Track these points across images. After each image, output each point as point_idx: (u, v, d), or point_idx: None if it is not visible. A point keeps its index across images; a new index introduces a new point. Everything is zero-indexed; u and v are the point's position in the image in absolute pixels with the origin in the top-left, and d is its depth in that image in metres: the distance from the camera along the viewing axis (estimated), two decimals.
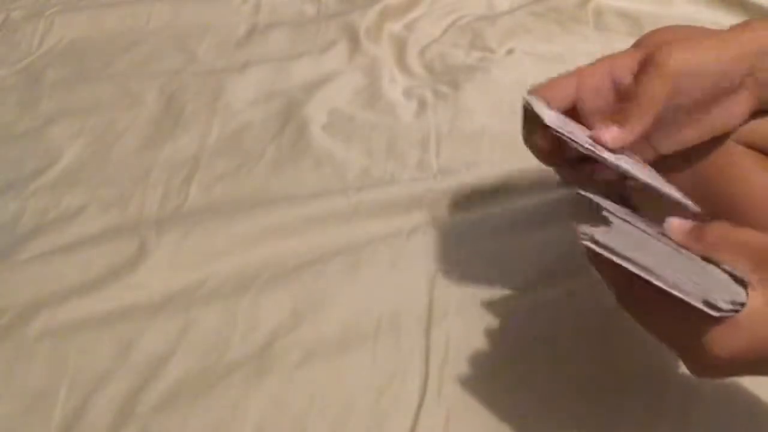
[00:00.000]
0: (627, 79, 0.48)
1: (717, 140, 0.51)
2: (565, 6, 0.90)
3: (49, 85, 0.80)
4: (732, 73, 0.47)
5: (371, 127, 0.74)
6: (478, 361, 0.54)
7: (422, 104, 0.77)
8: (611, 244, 0.38)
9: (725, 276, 0.38)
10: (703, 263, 0.39)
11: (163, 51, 0.87)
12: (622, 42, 0.56)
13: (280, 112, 0.77)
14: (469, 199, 0.66)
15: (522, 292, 0.58)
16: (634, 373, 0.52)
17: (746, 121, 0.49)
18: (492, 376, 0.53)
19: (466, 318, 0.57)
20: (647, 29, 0.56)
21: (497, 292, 0.59)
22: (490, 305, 0.58)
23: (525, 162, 0.61)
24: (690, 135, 0.50)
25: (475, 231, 0.64)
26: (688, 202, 0.46)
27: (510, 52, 0.83)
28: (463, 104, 0.76)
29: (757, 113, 0.51)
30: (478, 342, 0.55)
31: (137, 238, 0.64)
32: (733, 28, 0.48)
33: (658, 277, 0.36)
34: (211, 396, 0.53)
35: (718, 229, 0.40)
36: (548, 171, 0.52)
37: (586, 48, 0.84)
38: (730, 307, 0.35)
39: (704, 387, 0.51)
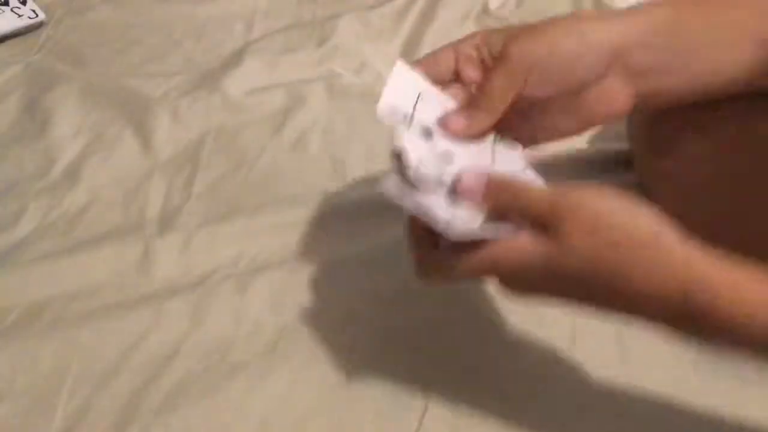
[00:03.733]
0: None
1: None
2: None
3: (49, 85, 0.80)
4: (589, 61, 0.47)
5: (370, 126, 0.74)
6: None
7: None
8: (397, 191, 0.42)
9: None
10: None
11: (162, 51, 0.86)
12: None
13: (279, 111, 0.77)
14: None
15: None
16: None
17: (629, 111, 0.50)
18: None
19: (475, 323, 0.57)
20: None
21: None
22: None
23: None
24: (565, 125, 0.50)
25: None
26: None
27: None
28: None
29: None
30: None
31: (140, 239, 0.64)
32: (574, 18, 0.49)
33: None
34: (214, 396, 0.53)
35: (509, 189, 0.43)
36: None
37: None
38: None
39: None
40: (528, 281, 0.43)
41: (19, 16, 0.88)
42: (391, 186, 0.42)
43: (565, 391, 0.52)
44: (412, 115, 0.47)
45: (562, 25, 0.48)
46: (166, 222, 0.65)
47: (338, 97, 0.79)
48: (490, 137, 0.50)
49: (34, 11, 0.89)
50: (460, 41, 0.51)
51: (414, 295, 0.58)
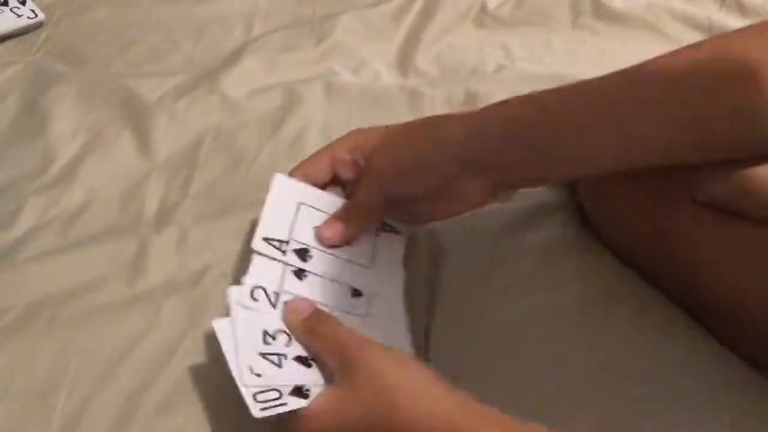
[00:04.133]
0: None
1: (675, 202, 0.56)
2: None
3: (47, 85, 0.80)
4: (443, 161, 0.53)
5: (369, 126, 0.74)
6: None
7: (422, 102, 0.78)
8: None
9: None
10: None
11: (161, 51, 0.86)
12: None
13: (277, 110, 0.77)
14: None
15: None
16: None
17: (488, 201, 0.56)
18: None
19: (467, 323, 0.57)
20: None
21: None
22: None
23: None
24: (436, 214, 0.57)
25: (474, 230, 0.65)
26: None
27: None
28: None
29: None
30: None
31: (137, 238, 0.64)
32: (427, 123, 0.56)
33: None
34: (213, 396, 0.53)
35: (327, 327, 0.48)
36: None
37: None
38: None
39: None
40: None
41: (18, 16, 0.88)
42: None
43: None
44: (287, 242, 0.54)
45: (420, 132, 0.56)
46: (164, 221, 0.65)
47: (336, 96, 0.79)
48: None
49: (33, 11, 0.89)
50: (335, 145, 0.58)
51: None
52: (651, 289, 0.59)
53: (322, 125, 0.75)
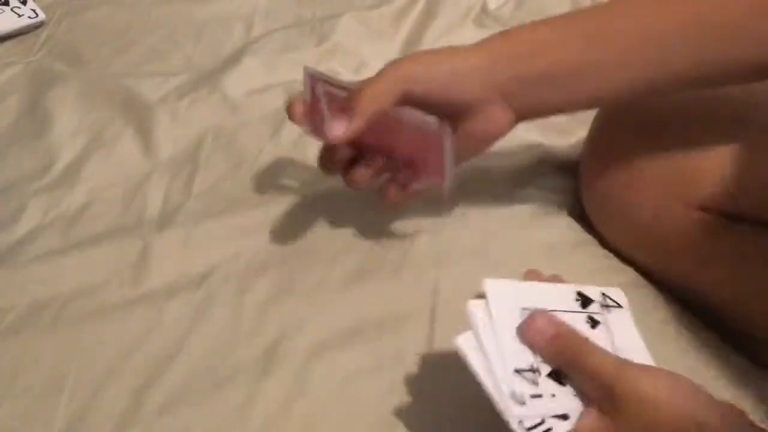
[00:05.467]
0: None
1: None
2: None
3: (48, 85, 0.80)
4: (461, 80, 0.52)
5: None
6: None
7: None
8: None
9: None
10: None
11: (162, 51, 0.86)
12: None
13: (278, 110, 0.77)
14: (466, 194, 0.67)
15: None
16: None
17: (504, 132, 0.54)
18: None
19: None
20: None
21: None
22: None
23: None
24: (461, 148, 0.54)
25: (472, 231, 0.65)
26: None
27: None
28: None
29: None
30: None
31: (139, 238, 0.64)
32: (458, 48, 0.53)
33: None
34: (215, 397, 0.53)
35: (579, 354, 0.44)
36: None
37: None
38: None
39: None
40: None
41: (19, 15, 0.88)
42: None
43: None
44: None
45: (441, 51, 0.54)
46: (166, 221, 0.65)
47: None
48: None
49: (34, 11, 0.89)
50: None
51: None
52: (649, 288, 0.60)
53: None
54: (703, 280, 0.57)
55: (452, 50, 0.53)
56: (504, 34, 0.54)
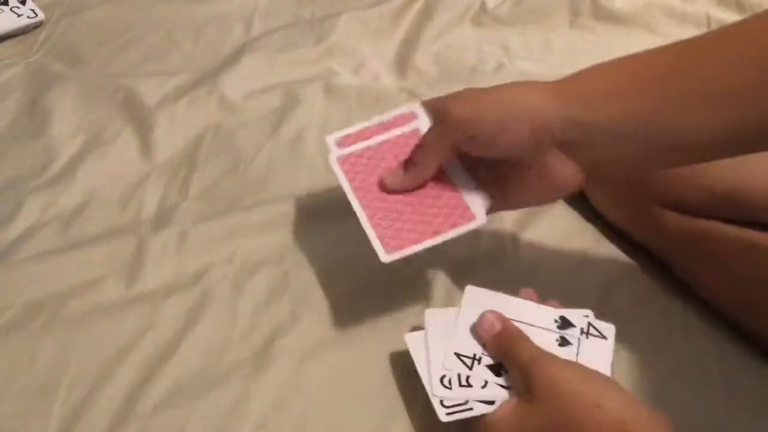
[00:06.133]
0: None
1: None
2: None
3: (47, 85, 0.80)
4: (510, 128, 0.48)
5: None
6: None
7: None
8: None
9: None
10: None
11: (161, 51, 0.86)
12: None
13: (276, 110, 0.77)
14: None
15: None
16: None
17: (579, 187, 0.50)
18: None
19: None
20: None
21: None
22: None
23: None
24: (524, 198, 0.53)
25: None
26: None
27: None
28: None
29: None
30: None
31: (136, 237, 0.64)
32: (516, 86, 0.50)
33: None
34: (211, 395, 0.53)
35: (515, 347, 0.46)
36: None
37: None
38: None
39: None
40: None
41: (18, 15, 0.89)
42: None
43: None
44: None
45: (495, 92, 0.49)
46: (163, 221, 0.66)
47: (335, 96, 0.79)
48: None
49: (33, 11, 0.89)
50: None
51: None
52: (651, 283, 0.60)
53: (321, 125, 0.75)
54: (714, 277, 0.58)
55: (508, 89, 0.49)
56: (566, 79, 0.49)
